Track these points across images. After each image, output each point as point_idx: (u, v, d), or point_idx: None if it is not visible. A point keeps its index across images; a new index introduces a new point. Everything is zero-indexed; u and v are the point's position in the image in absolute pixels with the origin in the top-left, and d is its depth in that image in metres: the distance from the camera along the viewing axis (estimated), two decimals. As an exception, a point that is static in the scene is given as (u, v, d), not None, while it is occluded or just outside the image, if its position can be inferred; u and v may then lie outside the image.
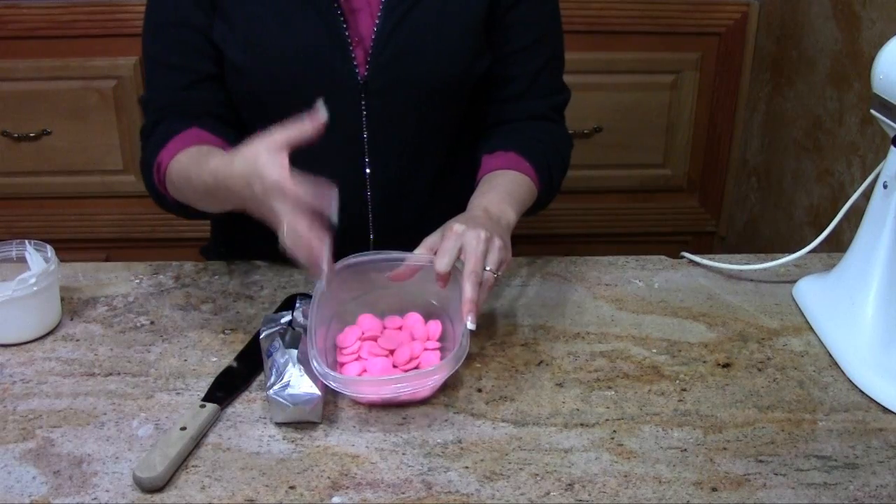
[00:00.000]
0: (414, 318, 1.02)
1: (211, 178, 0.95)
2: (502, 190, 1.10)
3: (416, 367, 0.97)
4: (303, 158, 1.16)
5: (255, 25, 1.10)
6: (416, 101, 1.14)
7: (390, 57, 1.11)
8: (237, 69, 1.12)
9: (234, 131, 1.15)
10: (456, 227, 0.98)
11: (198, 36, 1.13)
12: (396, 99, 1.13)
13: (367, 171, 1.17)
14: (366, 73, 1.11)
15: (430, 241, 1.00)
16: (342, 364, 0.98)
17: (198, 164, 1.01)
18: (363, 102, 1.13)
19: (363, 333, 1.00)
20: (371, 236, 1.20)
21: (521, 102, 1.21)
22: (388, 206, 1.19)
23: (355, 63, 1.11)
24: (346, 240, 1.15)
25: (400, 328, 1.02)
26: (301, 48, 1.10)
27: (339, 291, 1.00)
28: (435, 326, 1.01)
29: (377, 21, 1.10)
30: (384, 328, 1.02)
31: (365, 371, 0.97)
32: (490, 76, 1.19)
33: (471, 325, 0.92)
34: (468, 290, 0.93)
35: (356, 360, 0.98)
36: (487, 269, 0.95)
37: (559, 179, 1.23)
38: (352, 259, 1.02)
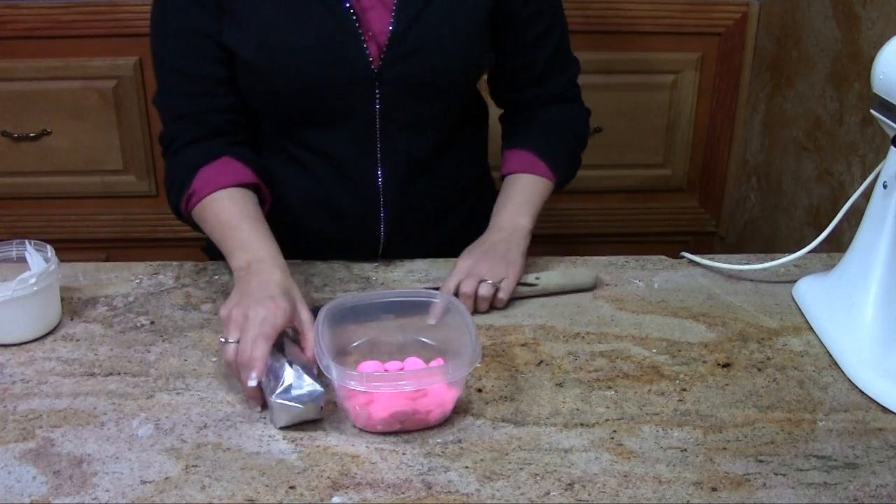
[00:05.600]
0: (414, 363, 0.99)
1: (242, 253, 1.05)
2: (517, 199, 1.23)
3: (425, 395, 0.92)
4: (322, 139, 1.19)
5: (268, 25, 1.13)
6: (427, 90, 1.19)
7: (405, 52, 1.15)
8: (252, 68, 1.15)
9: (255, 150, 1.20)
10: (464, 278, 1.11)
11: (208, 42, 1.14)
12: (408, 87, 1.17)
13: (378, 147, 1.20)
14: (380, 64, 1.15)
15: (448, 284, 1.12)
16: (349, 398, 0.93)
17: (236, 227, 1.08)
18: (377, 91, 1.16)
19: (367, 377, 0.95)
20: (381, 215, 1.23)
21: (537, 87, 1.28)
22: (396, 179, 1.22)
23: (369, 56, 1.14)
24: (359, 218, 1.23)
25: (402, 369, 0.99)
26: (315, 44, 1.13)
27: (333, 341, 0.97)
28: (437, 365, 0.98)
29: (392, 19, 1.14)
30: (386, 370, 0.99)
31: (373, 401, 0.92)
32: (505, 67, 1.26)
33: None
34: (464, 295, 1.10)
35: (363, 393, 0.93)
36: (489, 282, 1.10)
37: (579, 155, 1.32)
38: (336, 303, 1.00)
